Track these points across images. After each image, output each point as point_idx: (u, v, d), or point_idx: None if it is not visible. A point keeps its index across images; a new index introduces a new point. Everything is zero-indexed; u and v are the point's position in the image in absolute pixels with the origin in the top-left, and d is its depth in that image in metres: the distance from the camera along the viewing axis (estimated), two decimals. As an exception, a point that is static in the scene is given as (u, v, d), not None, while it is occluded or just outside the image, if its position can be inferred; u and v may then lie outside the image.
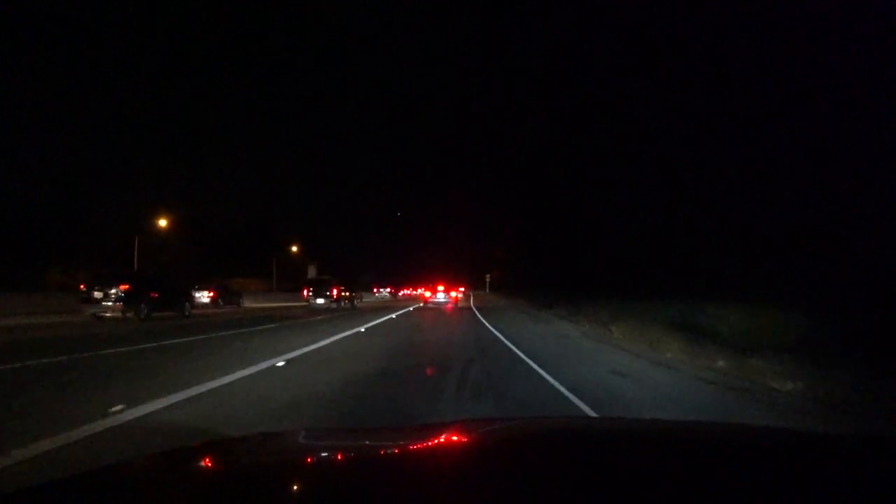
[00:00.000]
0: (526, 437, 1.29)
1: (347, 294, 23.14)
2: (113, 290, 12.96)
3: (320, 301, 21.41)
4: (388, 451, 1.14)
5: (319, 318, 15.19)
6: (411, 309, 21.75)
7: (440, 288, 25.01)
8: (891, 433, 3.87)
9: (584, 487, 0.83)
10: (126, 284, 12.91)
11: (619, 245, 28.28)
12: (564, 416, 3.42)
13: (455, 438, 1.24)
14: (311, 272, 34.61)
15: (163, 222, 26.82)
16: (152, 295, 13.71)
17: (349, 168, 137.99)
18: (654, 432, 1.39)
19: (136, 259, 24.36)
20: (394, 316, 16.68)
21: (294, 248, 40.09)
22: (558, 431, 1.41)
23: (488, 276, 51.92)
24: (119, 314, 12.80)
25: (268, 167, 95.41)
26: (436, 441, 1.19)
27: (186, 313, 15.22)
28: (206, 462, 1.03)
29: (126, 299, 12.74)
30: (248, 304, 23.81)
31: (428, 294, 25.42)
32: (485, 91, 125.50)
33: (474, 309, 21.93)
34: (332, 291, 21.70)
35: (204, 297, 20.99)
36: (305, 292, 22.08)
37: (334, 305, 21.60)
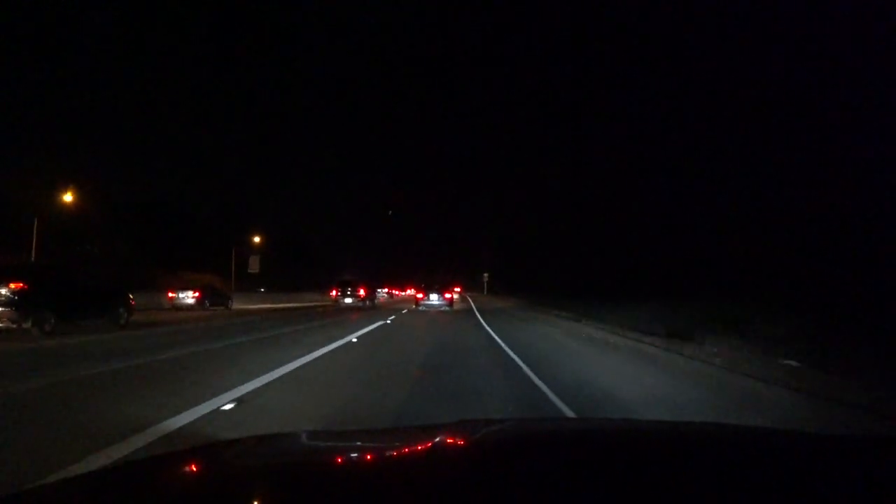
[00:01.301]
0: (526, 438, 1.30)
1: (370, 294, 25.34)
2: (2, 290, 8.92)
3: (348, 300, 23.35)
4: (387, 453, 1.12)
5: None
6: (412, 306, 22.03)
7: (435, 287, 21.58)
8: (890, 433, 3.73)
9: (582, 487, 0.83)
10: (19, 282, 8.81)
11: (646, 242, 24.85)
12: (564, 417, 3.59)
13: (455, 440, 1.22)
14: (253, 265, 30.83)
15: (68, 197, 21.38)
16: (63, 297, 9.66)
17: (336, 167, 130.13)
18: (652, 433, 1.38)
19: (34, 247, 19.28)
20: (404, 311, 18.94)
21: (256, 239, 35.38)
22: (558, 432, 1.47)
23: (486, 275, 46.77)
24: (12, 325, 8.80)
25: (237, 151, 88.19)
26: (435, 443, 1.16)
27: (121, 321, 11.15)
28: (205, 464, 1.01)
29: (20, 304, 8.67)
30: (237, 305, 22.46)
31: (420, 295, 21.69)
32: (483, 83, 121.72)
33: (484, 325, 12.77)
34: (359, 291, 23.75)
35: (188, 297, 19.43)
36: (334, 292, 23.89)
37: (360, 304, 23.44)
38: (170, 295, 19.50)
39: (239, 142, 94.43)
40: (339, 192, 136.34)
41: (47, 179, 22.79)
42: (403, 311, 18.68)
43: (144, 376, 5.17)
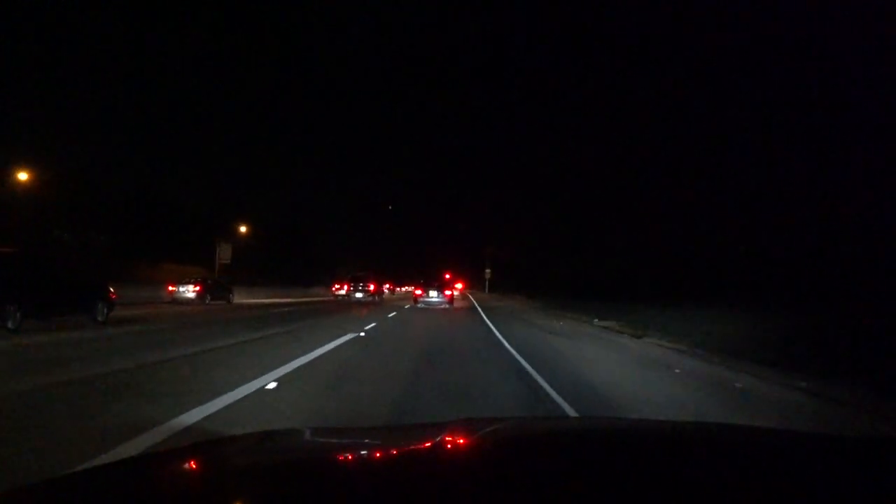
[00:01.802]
0: (529, 437, 1.31)
1: (379, 290, 28.06)
2: (-45, 281, 7.49)
3: (359, 295, 25.41)
4: (390, 450, 1.13)
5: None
6: (409, 304, 21.22)
7: (434, 284, 20.87)
8: (891, 433, 3.68)
9: (585, 486, 0.82)
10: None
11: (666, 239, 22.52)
12: (567, 417, 3.52)
13: (458, 438, 1.21)
14: (224, 255, 28.76)
15: (23, 175, 19.43)
16: (31, 290, 8.24)
17: (331, 160, 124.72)
18: (654, 433, 1.37)
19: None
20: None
21: (242, 229, 33.48)
22: (561, 431, 1.47)
23: (488, 271, 42.41)
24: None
25: (230, 142, 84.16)
26: (438, 440, 1.14)
27: (100, 318, 9.83)
28: (207, 461, 0.99)
29: (-23, 298, 7.30)
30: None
31: (419, 292, 20.99)
32: (487, 70, 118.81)
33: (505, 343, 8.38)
34: (369, 287, 25.96)
35: (189, 291, 19.27)
36: (346, 287, 26.60)
37: (370, 299, 25.21)
38: (170, 289, 19.27)
39: (232, 133, 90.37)
40: (335, 186, 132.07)
41: (10, 161, 20.85)
42: (391, 316, 16.87)
43: (84, 399, 3.84)
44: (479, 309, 18.97)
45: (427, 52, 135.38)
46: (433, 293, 20.17)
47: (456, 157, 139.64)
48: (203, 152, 72.26)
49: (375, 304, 22.75)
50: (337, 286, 30.66)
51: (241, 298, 22.52)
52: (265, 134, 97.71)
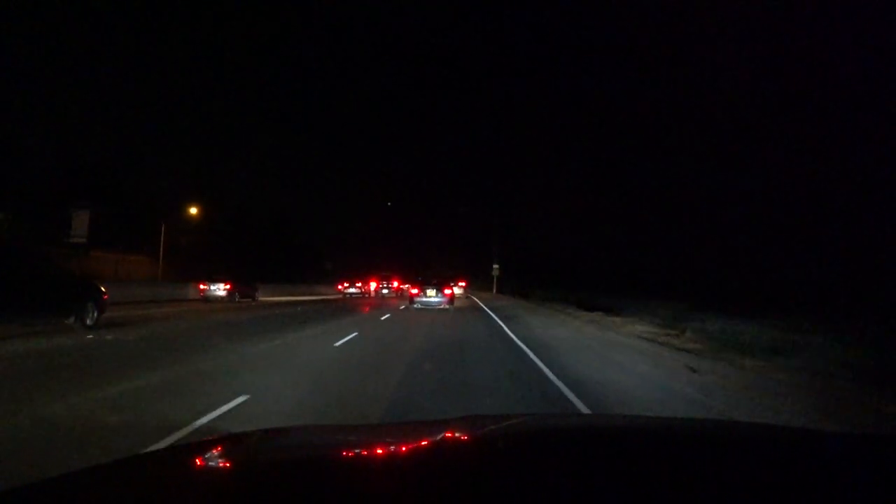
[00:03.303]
0: (533, 433, 1.31)
1: (401, 287, 34.15)
2: None
3: (385, 291, 32.81)
4: (394, 447, 1.13)
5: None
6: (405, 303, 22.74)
7: (433, 282, 19.44)
8: (890, 432, 3.71)
9: (589, 483, 0.83)
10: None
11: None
12: (570, 413, 3.66)
13: (462, 435, 1.23)
14: (79, 227, 23.11)
15: None
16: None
17: (324, 150, 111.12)
18: (663, 430, 1.38)
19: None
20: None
21: (193, 211, 29.45)
22: (565, 428, 1.46)
23: (496, 266, 35.43)
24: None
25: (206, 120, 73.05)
26: (442, 437, 1.17)
27: (89, 321, 8.00)
28: (210, 459, 1.01)
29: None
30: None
31: (415, 291, 19.54)
32: (492, 54, 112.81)
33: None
34: (392, 283, 33.70)
35: (220, 289, 19.93)
36: (376, 285, 33.48)
37: (394, 294, 31.72)
38: (201, 287, 20.27)
39: (217, 119, 77.85)
40: (331, 179, 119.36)
41: None
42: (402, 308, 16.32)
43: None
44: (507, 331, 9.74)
45: (429, 38, 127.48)
46: (431, 292, 18.89)
47: (458, 144, 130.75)
48: (176, 138, 61.79)
49: (399, 298, 27.32)
50: (345, 284, 33.17)
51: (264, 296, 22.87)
52: (253, 121, 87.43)
